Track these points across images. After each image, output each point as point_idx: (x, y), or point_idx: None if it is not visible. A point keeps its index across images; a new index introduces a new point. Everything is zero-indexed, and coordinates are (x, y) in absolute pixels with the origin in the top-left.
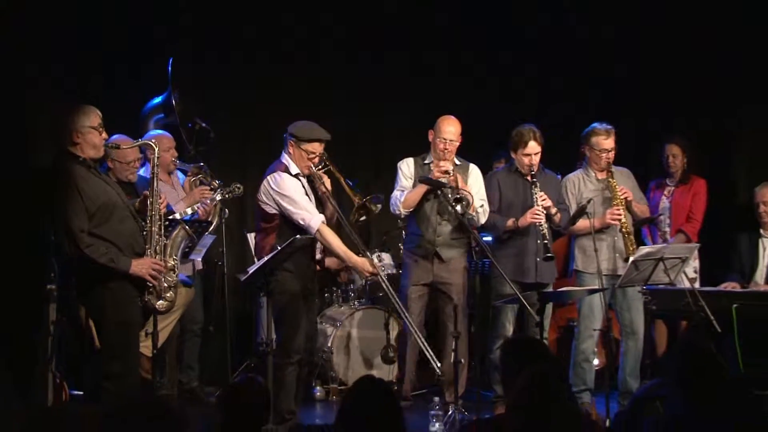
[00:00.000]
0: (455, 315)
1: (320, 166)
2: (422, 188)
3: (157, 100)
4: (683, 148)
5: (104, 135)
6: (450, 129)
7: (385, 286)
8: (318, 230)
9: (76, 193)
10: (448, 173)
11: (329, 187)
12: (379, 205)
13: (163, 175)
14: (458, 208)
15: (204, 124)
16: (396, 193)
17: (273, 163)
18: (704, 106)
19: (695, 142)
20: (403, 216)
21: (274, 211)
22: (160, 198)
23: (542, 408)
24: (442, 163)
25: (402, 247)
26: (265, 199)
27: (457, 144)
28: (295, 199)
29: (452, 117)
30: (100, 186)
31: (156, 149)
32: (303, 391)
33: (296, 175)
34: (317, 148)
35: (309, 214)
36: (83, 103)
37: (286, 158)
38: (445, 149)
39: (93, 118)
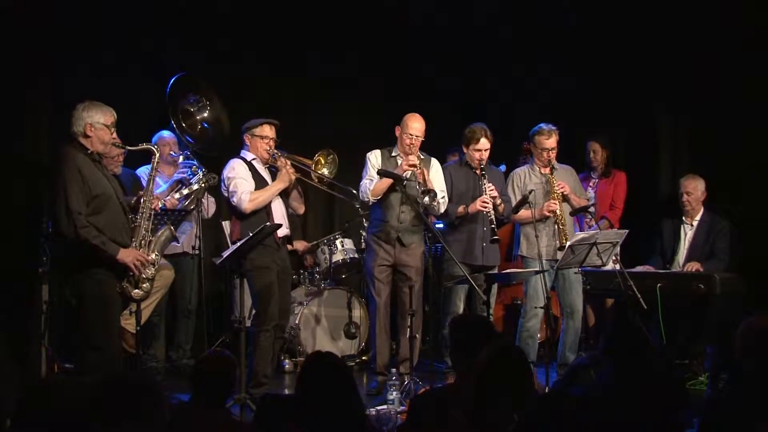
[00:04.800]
0: (411, 294)
1: (279, 153)
2: (389, 180)
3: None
4: (603, 144)
5: (114, 135)
6: (416, 125)
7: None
8: (250, 200)
9: (79, 177)
10: (416, 166)
11: (291, 168)
12: (331, 155)
13: (165, 168)
14: (426, 199)
15: (206, 125)
16: (365, 182)
17: None
18: (633, 108)
19: (624, 139)
20: (371, 203)
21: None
22: (155, 197)
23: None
24: (410, 157)
25: (364, 232)
26: (223, 186)
27: (422, 139)
28: (233, 177)
29: (418, 115)
30: (101, 178)
31: (157, 155)
32: (275, 362)
33: (252, 161)
34: (268, 131)
35: (238, 191)
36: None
37: (243, 151)
38: (411, 144)
39: (108, 117)
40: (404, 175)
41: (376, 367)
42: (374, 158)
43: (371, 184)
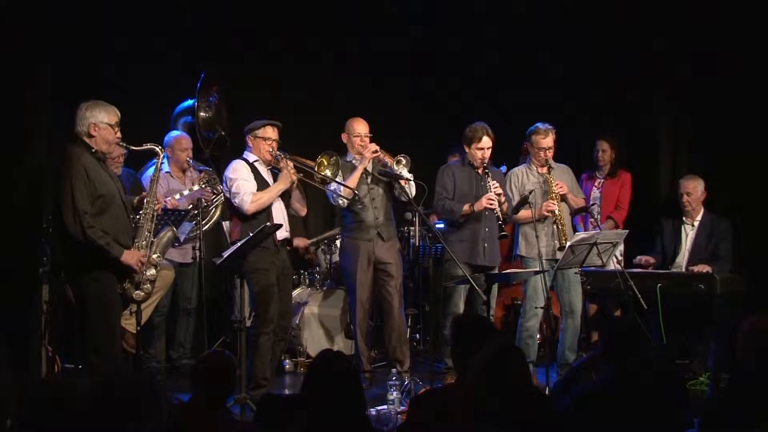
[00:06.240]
0: (398, 291)
1: (281, 154)
2: (359, 171)
3: (188, 103)
4: (612, 144)
5: (118, 134)
6: (361, 127)
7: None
8: (251, 201)
9: (85, 176)
10: (378, 151)
11: (292, 169)
12: (334, 156)
13: (177, 172)
14: (398, 167)
15: (223, 133)
16: (332, 185)
17: None
18: (631, 106)
19: (624, 139)
20: (346, 203)
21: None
22: (157, 200)
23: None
24: (370, 145)
25: (341, 234)
26: (225, 187)
27: (369, 136)
28: (235, 178)
29: (359, 117)
30: (105, 178)
31: (161, 155)
32: (275, 364)
33: (254, 162)
34: (270, 132)
35: (240, 192)
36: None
37: (246, 152)
38: (362, 144)
39: (112, 116)
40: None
41: (362, 366)
42: None
43: (340, 188)
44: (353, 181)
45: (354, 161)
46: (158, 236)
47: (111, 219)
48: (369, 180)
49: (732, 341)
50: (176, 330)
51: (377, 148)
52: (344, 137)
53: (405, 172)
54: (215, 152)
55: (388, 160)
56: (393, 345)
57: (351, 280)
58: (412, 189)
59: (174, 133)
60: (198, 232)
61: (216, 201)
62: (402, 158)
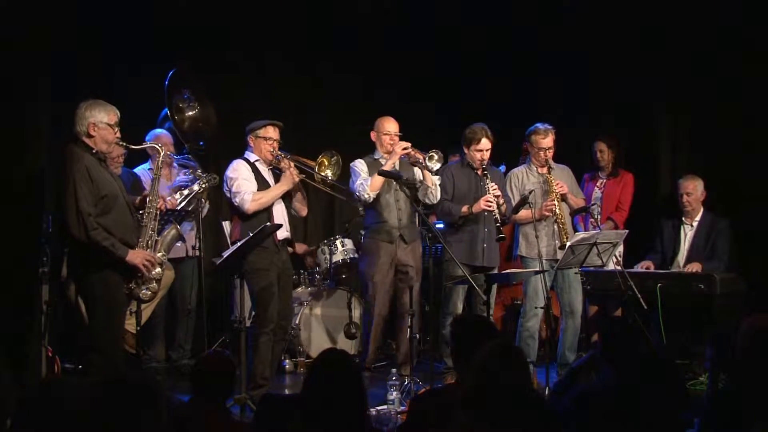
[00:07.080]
0: (412, 294)
1: (282, 154)
2: (387, 168)
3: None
4: (609, 144)
5: (118, 134)
6: (391, 125)
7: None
8: (252, 201)
9: (88, 177)
10: (408, 148)
11: (295, 170)
12: (335, 156)
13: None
14: (430, 164)
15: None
16: (360, 182)
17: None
18: (631, 106)
19: (624, 139)
20: (370, 200)
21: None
22: (159, 198)
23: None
24: (400, 143)
25: (363, 234)
26: (225, 187)
27: (399, 135)
28: (236, 177)
29: (388, 116)
30: (107, 178)
31: (161, 153)
32: (276, 364)
33: (255, 162)
34: (272, 132)
35: (241, 192)
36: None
37: (247, 152)
38: (392, 142)
39: (111, 116)
40: (396, 167)
41: (364, 365)
42: (361, 165)
43: (367, 182)
44: (376, 183)
45: (382, 159)
46: (162, 234)
47: (115, 218)
48: (404, 179)
49: (731, 341)
50: (176, 330)
51: (408, 145)
52: (373, 135)
53: (432, 165)
54: (196, 146)
55: (419, 156)
56: (404, 345)
57: (370, 281)
58: (437, 194)
59: (155, 131)
60: (195, 230)
61: (202, 189)
62: (434, 153)
